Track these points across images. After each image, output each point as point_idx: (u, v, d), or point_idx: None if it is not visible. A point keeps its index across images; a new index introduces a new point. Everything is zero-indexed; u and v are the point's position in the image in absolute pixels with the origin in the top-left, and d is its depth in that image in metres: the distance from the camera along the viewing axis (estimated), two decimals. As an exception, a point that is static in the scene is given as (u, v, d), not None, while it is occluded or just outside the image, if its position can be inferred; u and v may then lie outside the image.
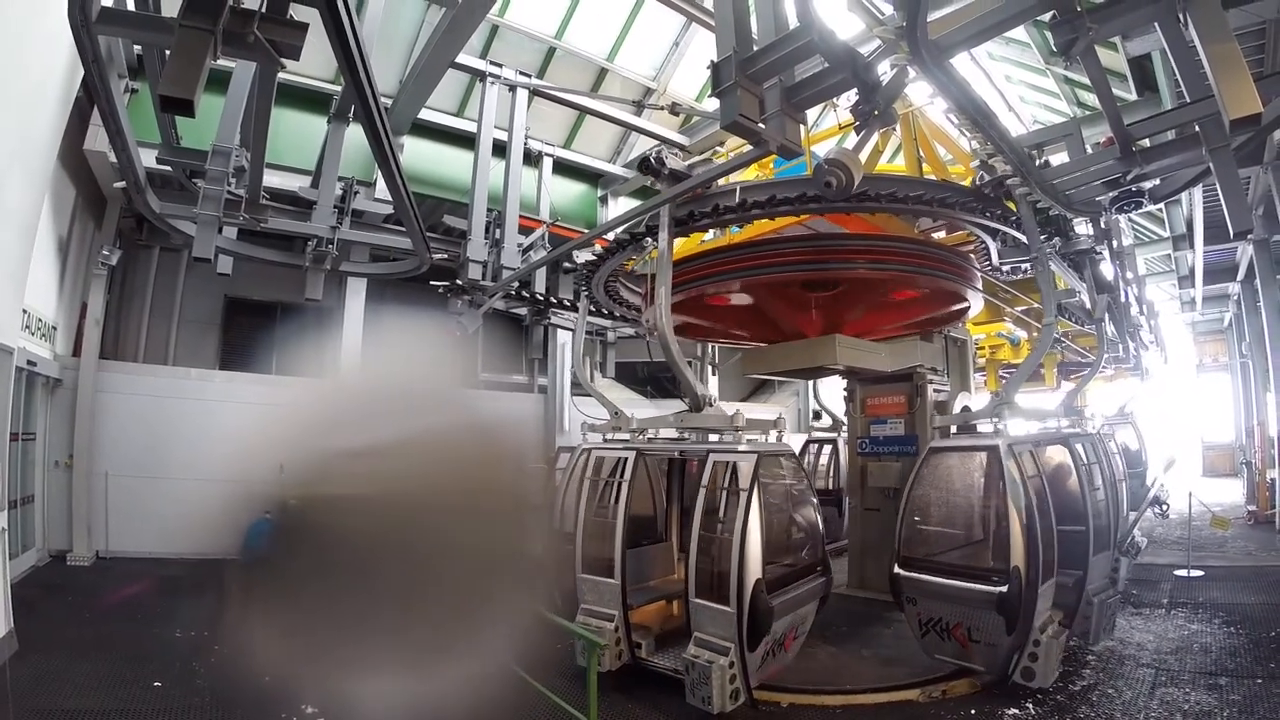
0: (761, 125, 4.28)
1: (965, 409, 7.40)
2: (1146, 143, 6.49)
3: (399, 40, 12.19)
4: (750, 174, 8.01)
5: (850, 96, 4.93)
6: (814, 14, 4.15)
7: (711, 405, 6.49)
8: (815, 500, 6.84)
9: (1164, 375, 20.62)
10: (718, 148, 12.62)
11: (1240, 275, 18.49)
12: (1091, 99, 12.54)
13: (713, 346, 13.99)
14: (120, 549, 10.87)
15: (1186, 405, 28.55)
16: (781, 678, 6.18)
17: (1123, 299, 11.24)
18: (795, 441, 18.26)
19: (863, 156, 5.32)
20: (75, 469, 10.78)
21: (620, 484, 6.57)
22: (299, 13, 4.06)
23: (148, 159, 8.06)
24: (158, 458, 11.12)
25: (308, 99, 11.71)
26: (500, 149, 11.58)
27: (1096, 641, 6.65)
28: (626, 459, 6.66)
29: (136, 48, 9.30)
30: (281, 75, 7.10)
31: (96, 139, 9.79)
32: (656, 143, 13.87)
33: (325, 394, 3.76)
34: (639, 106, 13.34)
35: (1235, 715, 5.50)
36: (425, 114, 12.14)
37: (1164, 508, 11.46)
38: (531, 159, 13.15)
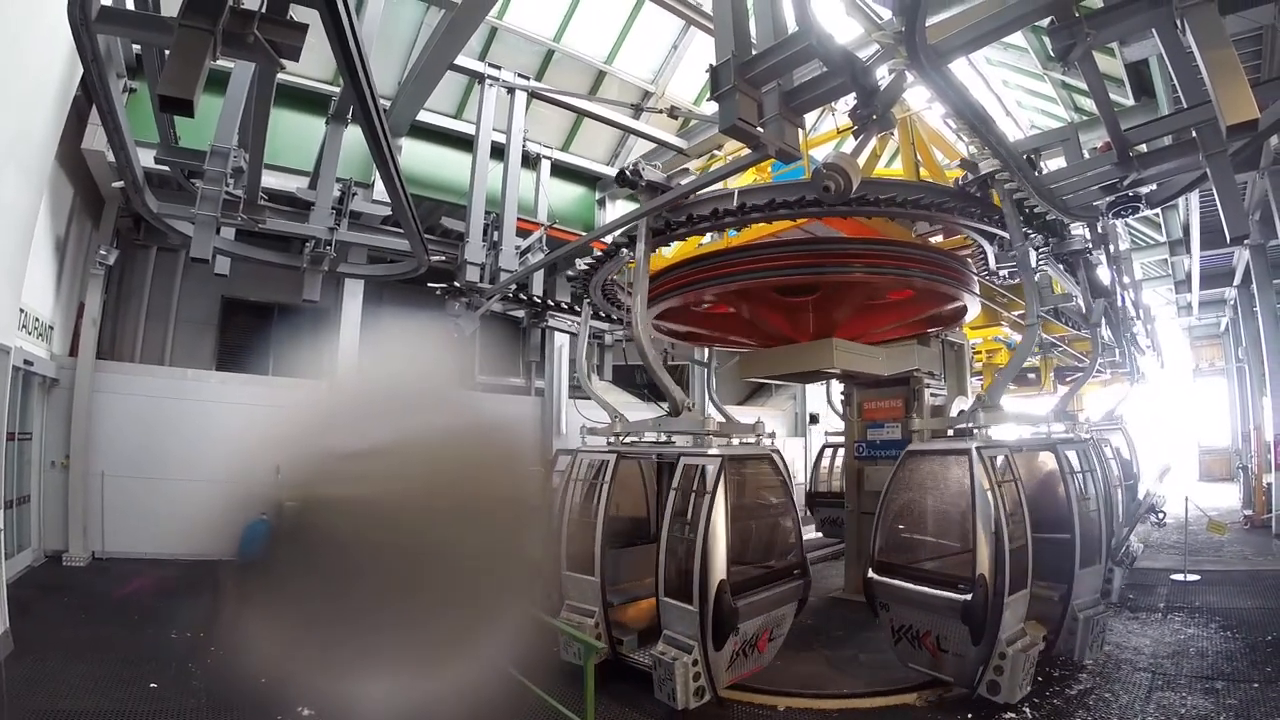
0: (760, 129, 4.29)
1: (961, 413, 7.40)
2: (1144, 148, 6.51)
3: (398, 41, 12.21)
4: (749, 177, 8.04)
5: (849, 101, 4.94)
6: (813, 18, 4.17)
7: (690, 409, 6.62)
8: (794, 504, 6.96)
9: (1160, 380, 20.68)
10: (716, 151, 12.65)
11: (1237, 280, 18.50)
12: (1089, 104, 12.58)
13: (710, 350, 13.97)
14: (116, 550, 10.83)
15: (1183, 410, 28.64)
16: (777, 681, 6.25)
17: (1119, 303, 11.26)
18: (793, 445, 18.33)
19: (861, 161, 5.32)
20: (71, 469, 10.74)
21: (601, 485, 6.77)
22: (299, 13, 4.07)
23: (146, 159, 8.06)
24: (154, 458, 11.09)
25: (306, 100, 11.70)
26: (498, 151, 11.58)
27: (1081, 658, 6.49)
28: (608, 461, 6.90)
29: (135, 47, 9.30)
30: (280, 76, 7.08)
31: (95, 138, 9.78)
32: (654, 145, 13.91)
33: (327, 396, 3.76)
34: (637, 109, 13.36)
35: (1232, 719, 5.51)
36: (424, 115, 12.15)
37: (1160, 516, 11.44)
38: (530, 161, 13.17)
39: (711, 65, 4.32)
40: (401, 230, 9.42)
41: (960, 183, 6.95)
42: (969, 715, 5.68)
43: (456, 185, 12.87)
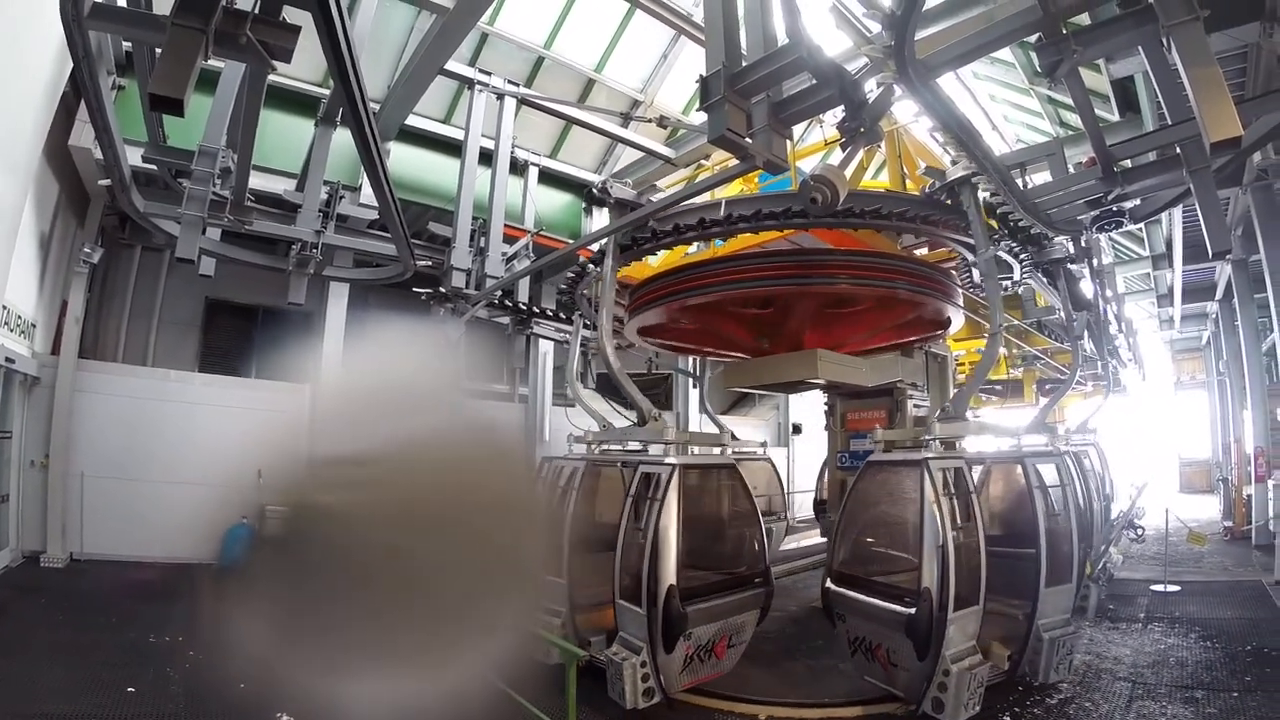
0: (748, 140, 4.31)
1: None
2: (1128, 163, 6.59)
3: (389, 45, 12.20)
4: (735, 188, 8.09)
5: (837, 113, 4.99)
6: (803, 31, 4.19)
7: (656, 419, 6.76)
8: (759, 514, 7.06)
9: (1142, 392, 20.91)
10: (703, 161, 12.69)
11: (1219, 295, 18.83)
12: (1074, 119, 12.74)
13: (694, 360, 13.99)
14: (95, 551, 10.71)
15: (1164, 422, 28.97)
16: (745, 688, 6.35)
17: (1102, 316, 11.39)
18: (776, 455, 18.35)
19: (848, 173, 5.38)
20: (51, 469, 10.62)
21: (570, 492, 6.98)
22: (291, 15, 4.06)
23: (133, 157, 8.01)
24: (135, 459, 11.00)
25: (295, 101, 11.65)
26: (486, 157, 11.57)
27: (1045, 680, 6.36)
28: (577, 469, 7.13)
29: (126, 44, 9.25)
30: (270, 77, 7.11)
31: (82, 135, 9.69)
32: (642, 154, 13.94)
33: (319, 399, 3.75)
34: (626, 118, 13.40)
35: (1210, 729, 5.57)
36: (412, 120, 12.15)
37: (1139, 532, 11.53)
38: (517, 168, 13.15)
39: (701, 75, 4.32)
40: (388, 234, 9.39)
41: (927, 190, 6.95)
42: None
43: (444, 190, 12.84)
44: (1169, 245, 15.54)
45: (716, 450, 7.65)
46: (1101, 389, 14.98)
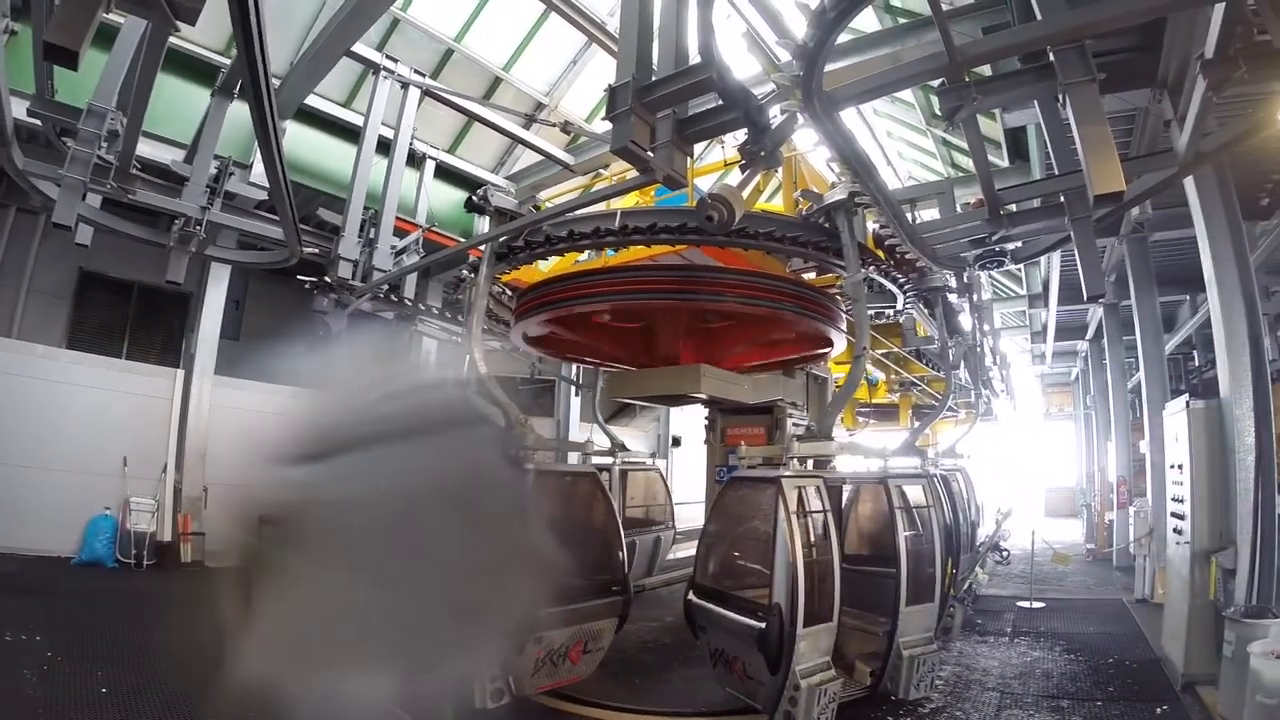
0: (650, 153, 4.28)
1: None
2: (1014, 207, 6.95)
3: (296, 19, 11.60)
4: (631, 200, 8.11)
5: (739, 135, 5.03)
6: (715, 51, 4.20)
7: (524, 424, 6.74)
8: (618, 521, 7.25)
9: (1012, 421, 22.21)
10: (602, 170, 12.64)
11: (1089, 334, 20.02)
12: (966, 161, 13.41)
13: (578, 368, 13.88)
14: (-63, 540, 9.77)
15: (1032, 450, 30.94)
16: (625, 697, 6.47)
17: (979, 349, 12.00)
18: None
19: (745, 194, 5.44)
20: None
21: None
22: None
23: (18, 109, 7.32)
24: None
25: (193, 68, 10.95)
26: (384, 146, 11.19)
27: (906, 696, 6.49)
28: None
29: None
30: (170, 39, 6.78)
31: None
32: (542, 158, 13.78)
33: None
34: (530, 120, 13.21)
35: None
36: (312, 100, 11.57)
37: (1004, 555, 12.14)
38: (415, 160, 12.82)
39: (610, 85, 4.28)
40: (276, 217, 8.90)
41: (804, 213, 7.03)
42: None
43: (337, 176, 12.34)
44: (1046, 286, 16.33)
45: (575, 458, 7.59)
46: (973, 416, 15.79)
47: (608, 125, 4.32)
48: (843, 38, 4.79)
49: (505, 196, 7.23)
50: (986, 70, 5.77)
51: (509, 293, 9.22)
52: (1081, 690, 6.99)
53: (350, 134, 11.90)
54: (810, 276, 8.60)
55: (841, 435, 11.43)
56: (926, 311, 9.17)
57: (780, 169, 7.22)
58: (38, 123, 7.78)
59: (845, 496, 8.05)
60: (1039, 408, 31.18)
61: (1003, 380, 17.72)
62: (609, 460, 10.37)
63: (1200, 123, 5.51)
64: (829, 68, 4.59)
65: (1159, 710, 6.37)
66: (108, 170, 7.29)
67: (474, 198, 7.07)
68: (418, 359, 11.54)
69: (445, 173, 14.20)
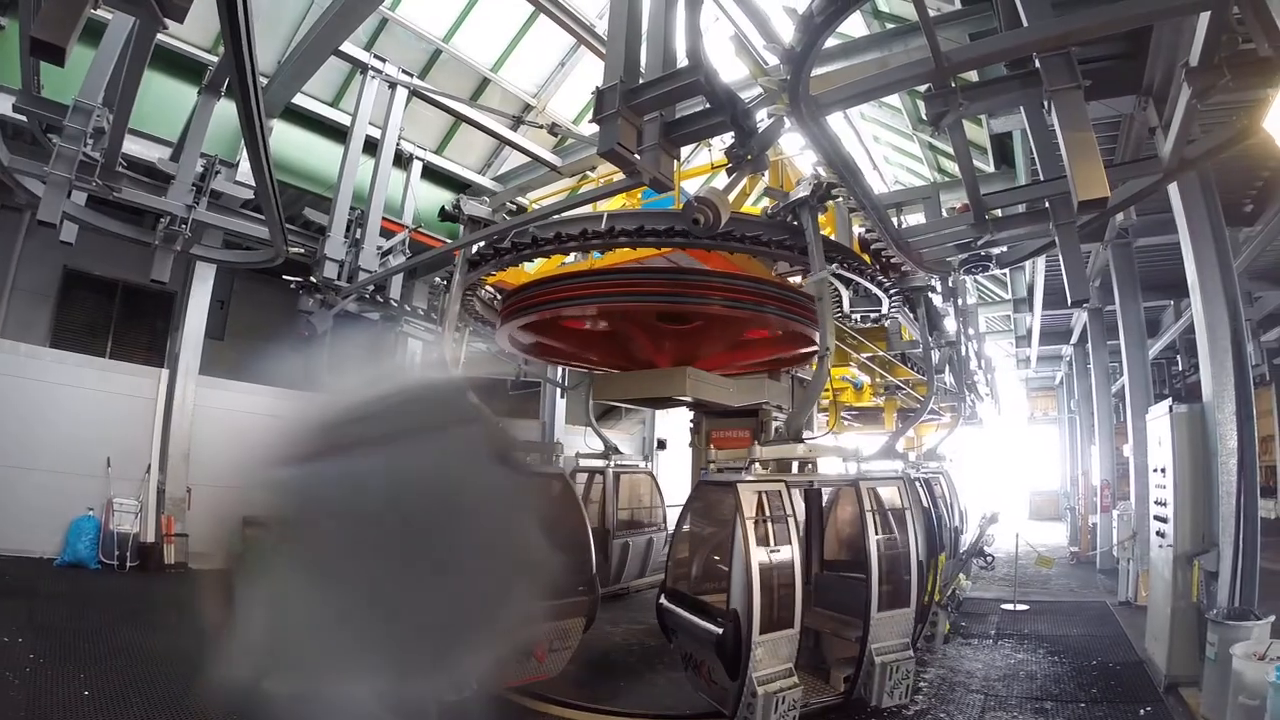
0: (637, 156, 4.29)
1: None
2: (999, 212, 6.97)
3: (285, 18, 11.52)
4: (618, 202, 8.11)
5: (726, 139, 5.04)
6: (703, 55, 4.22)
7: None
8: (586, 522, 7.30)
9: (997, 425, 22.32)
10: (589, 172, 12.64)
11: (1074, 339, 20.16)
12: (952, 166, 13.45)
13: (564, 370, 13.86)
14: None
15: (1017, 454, 31.09)
16: (598, 697, 6.50)
17: (963, 353, 12.04)
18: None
19: (731, 197, 5.44)
20: None
21: None
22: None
23: (3, 105, 7.46)
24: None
25: (180, 65, 10.85)
26: (371, 146, 11.16)
27: (879, 703, 6.37)
28: None
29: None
30: (158, 36, 6.70)
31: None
32: (529, 159, 13.75)
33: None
34: (517, 121, 13.16)
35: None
36: (299, 99, 11.54)
37: (989, 560, 12.17)
38: (402, 160, 12.79)
39: (598, 88, 4.27)
40: (262, 216, 8.85)
41: (769, 211, 6.96)
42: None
43: (324, 176, 12.29)
44: (1030, 290, 16.43)
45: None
46: (956, 419, 15.82)
47: (595, 127, 4.32)
48: (830, 42, 4.80)
49: (478, 205, 7.29)
50: (973, 76, 5.79)
51: (498, 296, 9.19)
52: (1065, 692, 7.03)
53: (337, 133, 11.87)
54: (796, 280, 8.63)
55: (828, 438, 11.41)
56: (910, 315, 9.20)
57: (766, 172, 7.21)
58: (23, 119, 7.71)
59: (825, 499, 8.06)
60: (1023, 411, 31.36)
61: (988, 384, 17.81)
62: (604, 464, 10.37)
63: (1184, 129, 5.55)
64: (816, 72, 4.61)
65: (1142, 711, 6.42)
66: (93, 167, 7.21)
67: (447, 207, 7.21)
68: (402, 360, 11.47)
69: (432, 173, 14.15)
